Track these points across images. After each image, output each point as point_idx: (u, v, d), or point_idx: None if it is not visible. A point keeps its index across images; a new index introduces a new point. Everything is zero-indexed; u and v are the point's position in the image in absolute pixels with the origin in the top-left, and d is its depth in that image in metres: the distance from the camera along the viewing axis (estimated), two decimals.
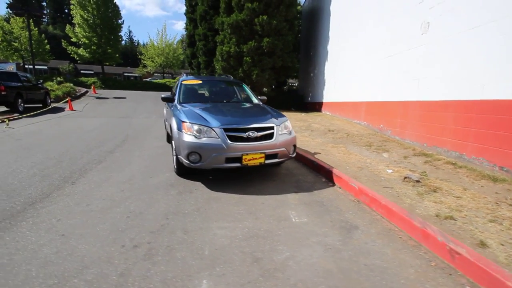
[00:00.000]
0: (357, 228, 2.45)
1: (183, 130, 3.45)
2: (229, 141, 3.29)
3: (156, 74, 43.87)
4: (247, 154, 3.33)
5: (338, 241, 2.23)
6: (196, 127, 3.38)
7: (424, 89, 5.01)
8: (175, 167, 3.88)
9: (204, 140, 3.30)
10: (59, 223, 2.49)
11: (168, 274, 1.82)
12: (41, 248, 2.09)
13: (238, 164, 3.35)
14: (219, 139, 3.30)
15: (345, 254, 2.06)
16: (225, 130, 3.34)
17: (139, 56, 37.28)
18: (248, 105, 4.55)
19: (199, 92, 4.99)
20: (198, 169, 3.40)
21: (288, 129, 3.81)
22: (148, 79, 38.10)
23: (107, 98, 16.74)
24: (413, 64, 5.31)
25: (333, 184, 3.62)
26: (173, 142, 4.10)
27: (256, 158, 3.39)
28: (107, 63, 28.32)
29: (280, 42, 11.89)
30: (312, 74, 13.08)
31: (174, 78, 37.68)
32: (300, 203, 3.01)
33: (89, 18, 22.27)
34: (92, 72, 40.60)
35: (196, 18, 17.17)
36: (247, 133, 3.37)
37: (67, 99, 12.57)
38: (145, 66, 38.58)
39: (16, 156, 4.76)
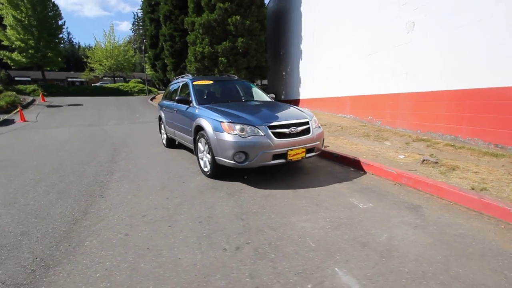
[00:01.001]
0: (421, 207, 2.71)
1: (223, 130, 3.37)
2: (274, 138, 3.32)
3: (105, 78, 40.64)
4: (291, 150, 3.40)
5: (416, 219, 2.45)
6: (238, 126, 3.34)
7: (413, 82, 5.61)
8: (208, 169, 3.75)
9: (250, 138, 3.27)
10: (130, 237, 2.28)
11: (296, 268, 1.82)
12: (137, 266, 1.91)
13: (283, 160, 3.41)
14: (264, 136, 3.31)
15: (432, 229, 2.28)
16: (269, 127, 3.36)
17: (85, 60, 34.19)
18: (268, 102, 4.60)
19: (212, 92, 4.87)
20: (240, 168, 3.36)
21: (317, 123, 3.97)
22: (98, 84, 35.08)
23: (61, 106, 15.09)
24: (400, 59, 5.91)
25: (365, 172, 3.89)
26: (199, 144, 3.96)
27: (298, 153, 3.48)
28: (48, 68, 25.35)
29: (254, 42, 12.03)
30: (284, 73, 13.49)
31: (127, 82, 35.31)
32: (352, 191, 3.18)
33: (23, 19, 19.64)
34: (29, 78, 35.87)
35: (159, 18, 16.39)
36: (289, 129, 3.44)
37: (18, 109, 10.99)
38: (92, 70, 35.41)
39: (4, 174, 4.10)
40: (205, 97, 4.55)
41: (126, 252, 2.07)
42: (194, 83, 4.74)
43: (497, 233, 2.19)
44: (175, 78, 6.29)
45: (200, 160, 4.02)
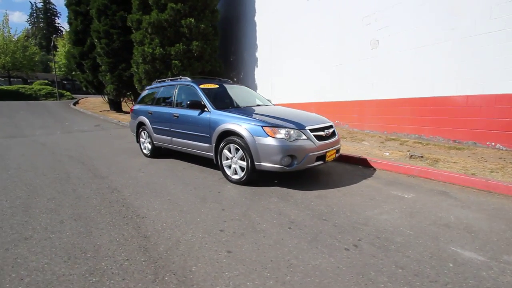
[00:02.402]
0: (447, 192, 3.29)
1: (267, 135, 3.34)
2: (316, 140, 3.48)
3: None
4: (328, 151, 3.62)
5: (456, 202, 2.98)
6: (283, 130, 3.37)
7: (379, 90, 6.60)
8: (241, 176, 3.62)
9: (296, 142, 3.34)
10: (235, 254, 2.08)
11: (424, 253, 2.02)
12: (283, 280, 1.79)
13: (322, 162, 3.59)
14: (308, 139, 3.43)
15: (474, 207, 2.83)
16: (311, 130, 3.50)
17: None
18: (282, 107, 4.72)
19: (222, 96, 4.66)
20: (283, 172, 3.39)
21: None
22: None
23: None
24: (366, 71, 6.85)
25: (374, 169, 4.40)
26: (224, 151, 3.77)
27: (332, 154, 3.73)
28: None
29: (208, 46, 11.83)
30: (236, 79, 13.63)
31: (29, 83, 29.34)
32: (384, 185, 3.59)
33: None
34: None
35: (86, 12, 14.31)
36: (324, 132, 3.65)
37: None
38: None
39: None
40: (217, 101, 4.34)
41: (254, 269, 1.89)
42: (201, 86, 4.47)
43: None
44: (157, 81, 5.73)
45: (226, 168, 3.83)
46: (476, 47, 4.77)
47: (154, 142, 5.28)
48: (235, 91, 5.00)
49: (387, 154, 5.20)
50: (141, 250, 2.15)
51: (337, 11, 7.50)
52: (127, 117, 14.30)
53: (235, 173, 3.73)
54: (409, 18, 5.78)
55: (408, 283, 1.72)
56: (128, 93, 14.82)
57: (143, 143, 5.65)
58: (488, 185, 3.27)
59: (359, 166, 4.58)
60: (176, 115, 4.60)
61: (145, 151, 5.64)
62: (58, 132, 9.47)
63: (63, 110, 16.32)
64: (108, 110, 16.18)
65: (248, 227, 2.50)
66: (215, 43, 12.20)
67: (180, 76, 5.08)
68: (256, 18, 11.57)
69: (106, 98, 16.96)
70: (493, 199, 3.07)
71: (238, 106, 4.54)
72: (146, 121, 5.38)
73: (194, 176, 4.17)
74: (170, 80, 5.28)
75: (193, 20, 11.07)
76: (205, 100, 4.17)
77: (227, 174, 3.81)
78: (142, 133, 5.62)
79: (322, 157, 3.55)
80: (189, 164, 4.88)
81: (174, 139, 4.75)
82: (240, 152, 3.58)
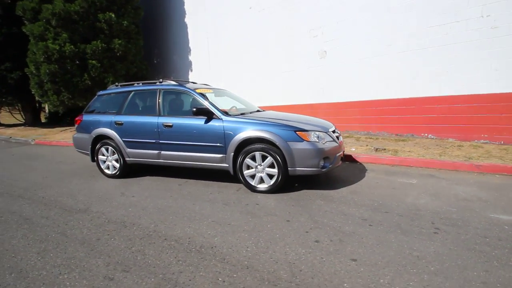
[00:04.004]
0: (434, 175, 4.10)
1: (302, 139, 3.36)
2: (337, 142, 3.71)
3: None
4: (342, 152, 3.90)
5: (449, 181, 3.76)
6: (314, 133, 3.45)
7: (328, 95, 7.46)
8: (270, 184, 3.48)
9: (328, 144, 3.48)
10: (361, 261, 2.06)
11: (482, 223, 2.52)
12: (424, 278, 1.90)
13: (341, 162, 3.85)
14: (334, 141, 3.62)
15: (465, 182, 3.65)
16: (331, 132, 3.70)
17: None
18: (278, 112, 4.71)
19: (217, 102, 4.26)
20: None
21: None
22: None
23: None
24: (316, 78, 7.61)
25: (360, 163, 4.99)
26: (247, 160, 3.52)
27: (343, 155, 4.04)
28: None
29: (133, 46, 10.48)
30: None
31: None
32: (386, 176, 4.14)
33: None
34: None
35: None
36: (335, 135, 3.92)
37: None
38: None
39: None
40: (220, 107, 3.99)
41: (398, 269, 1.93)
42: (199, 91, 4.01)
43: (476, 177, 3.91)
44: (117, 85, 4.75)
45: (248, 178, 3.59)
46: (408, 60, 6.09)
47: (127, 159, 4.36)
48: (232, 96, 4.70)
49: (354, 149, 5.96)
50: (270, 284, 1.83)
51: (284, 21, 8.04)
52: (20, 132, 10.97)
53: (261, 182, 3.55)
54: (354, 33, 6.80)
55: (505, 247, 2.13)
56: (14, 101, 11.30)
57: (105, 161, 4.56)
58: (454, 166, 4.28)
59: (347, 162, 5.09)
60: (168, 124, 3.95)
61: (108, 171, 4.57)
62: None
63: None
64: None
65: (334, 232, 2.48)
66: (140, 42, 11.00)
67: (161, 80, 4.37)
68: (187, 20, 11.00)
69: None
70: (468, 175, 4.02)
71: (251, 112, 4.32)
72: (113, 134, 4.37)
73: (207, 191, 3.71)
74: (143, 84, 4.48)
75: (113, 15, 9.62)
76: (211, 107, 3.77)
77: (251, 184, 3.57)
78: (103, 149, 4.53)
79: (342, 158, 3.81)
80: (181, 180, 4.27)
81: (164, 152, 4.06)
82: (269, 159, 3.43)
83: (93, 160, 4.70)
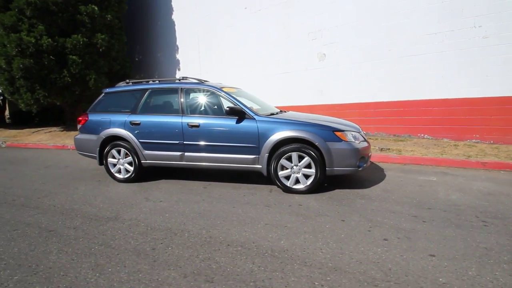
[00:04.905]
0: (446, 172, 4.37)
1: (340, 140, 3.39)
2: (368, 142, 3.80)
3: None
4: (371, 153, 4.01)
5: (463, 177, 4.04)
6: (351, 134, 3.50)
7: (327, 96, 7.64)
8: (307, 184, 3.47)
9: (362, 144, 3.55)
10: (440, 255, 2.12)
11: None
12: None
13: (370, 162, 3.95)
14: (365, 141, 3.70)
15: (478, 178, 3.94)
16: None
17: None
18: (296, 112, 4.70)
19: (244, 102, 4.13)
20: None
21: None
22: None
23: None
24: (314, 80, 7.76)
25: (373, 162, 5.16)
26: (283, 161, 3.47)
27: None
28: None
29: (116, 41, 9.85)
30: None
31: None
32: (405, 174, 4.34)
33: None
34: None
35: None
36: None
37: None
38: None
39: None
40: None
41: (481, 261, 2.02)
42: (225, 90, 3.87)
43: (483, 172, 4.25)
44: (127, 82, 4.40)
45: (283, 179, 3.54)
46: (408, 64, 6.46)
47: (143, 161, 4.06)
48: (251, 97, 4.58)
49: None
50: (370, 285, 1.81)
51: (282, 23, 8.09)
52: None
53: (297, 182, 3.52)
54: (353, 37, 7.05)
55: None
56: None
57: (116, 164, 4.21)
58: (463, 163, 4.61)
59: None
60: (194, 124, 3.75)
61: (119, 175, 4.23)
62: None
63: None
64: None
65: (396, 230, 2.53)
66: (123, 38, 10.40)
67: (180, 78, 4.13)
68: (174, 17, 10.61)
69: None
70: (477, 172, 4.34)
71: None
72: (127, 134, 4.06)
73: (239, 194, 3.59)
74: (160, 82, 4.20)
75: (96, 8, 8.96)
76: (243, 107, 3.66)
77: (286, 185, 3.53)
78: (114, 151, 4.17)
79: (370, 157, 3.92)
80: (204, 183, 4.08)
81: (188, 154, 3.85)
82: (306, 159, 3.41)
83: (101, 163, 4.31)
